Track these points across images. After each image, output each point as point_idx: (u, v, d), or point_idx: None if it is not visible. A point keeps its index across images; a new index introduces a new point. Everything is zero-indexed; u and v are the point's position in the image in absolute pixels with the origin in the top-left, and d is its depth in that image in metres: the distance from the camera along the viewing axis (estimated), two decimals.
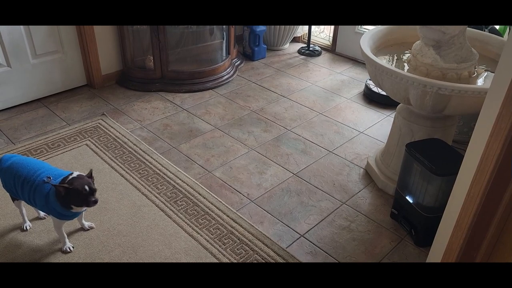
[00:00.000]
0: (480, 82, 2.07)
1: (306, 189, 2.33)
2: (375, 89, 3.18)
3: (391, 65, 2.24)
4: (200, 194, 2.25)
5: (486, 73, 2.12)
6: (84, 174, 1.75)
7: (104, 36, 3.13)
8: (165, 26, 3.09)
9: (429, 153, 1.90)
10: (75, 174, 1.74)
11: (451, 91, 1.81)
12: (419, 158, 1.88)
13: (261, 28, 3.70)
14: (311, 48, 3.98)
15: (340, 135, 2.80)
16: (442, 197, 1.84)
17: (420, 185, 1.93)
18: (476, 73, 2.08)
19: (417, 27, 2.04)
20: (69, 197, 1.68)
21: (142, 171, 2.40)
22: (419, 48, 2.08)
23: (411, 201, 1.99)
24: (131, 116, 2.93)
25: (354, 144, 2.72)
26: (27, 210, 2.01)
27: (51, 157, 2.48)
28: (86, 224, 2.01)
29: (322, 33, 4.25)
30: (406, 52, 2.31)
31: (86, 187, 1.68)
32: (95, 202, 1.71)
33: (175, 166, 2.44)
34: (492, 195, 1.33)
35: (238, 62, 3.69)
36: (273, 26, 3.85)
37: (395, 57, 2.31)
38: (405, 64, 2.19)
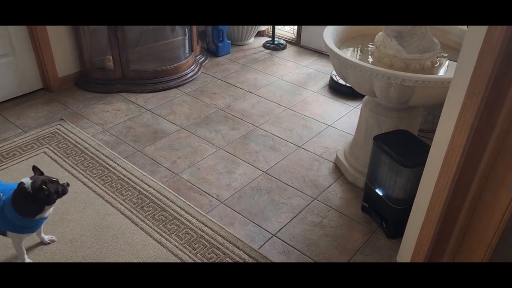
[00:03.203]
0: (442, 71, 2.08)
1: (276, 186, 2.29)
2: (341, 80, 3.18)
3: (356, 57, 2.23)
4: (167, 198, 2.17)
5: (447, 62, 2.14)
6: (30, 177, 1.67)
7: (58, 36, 2.98)
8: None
9: (396, 145, 1.90)
10: (25, 180, 1.65)
11: (415, 82, 1.80)
12: (387, 151, 1.87)
13: None
14: (276, 42, 3.93)
15: (308, 129, 2.78)
16: (411, 189, 1.84)
17: (389, 178, 1.92)
18: (438, 63, 2.09)
19: None
20: (38, 200, 1.63)
21: (105, 177, 2.30)
22: (382, 39, 2.06)
23: (380, 193, 1.98)
24: (92, 120, 2.81)
25: (323, 138, 2.70)
26: None
27: (6, 167, 2.33)
28: (46, 237, 1.90)
29: (287, 26, 4.22)
30: (370, 43, 2.30)
31: (46, 181, 1.63)
32: (68, 185, 1.72)
33: (140, 170, 2.35)
34: (460, 185, 1.33)
35: (202, 58, 3.60)
36: None
37: (359, 49, 2.30)
38: (369, 56, 2.18)
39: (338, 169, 2.43)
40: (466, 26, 2.44)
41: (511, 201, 1.20)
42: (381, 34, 2.09)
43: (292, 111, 2.97)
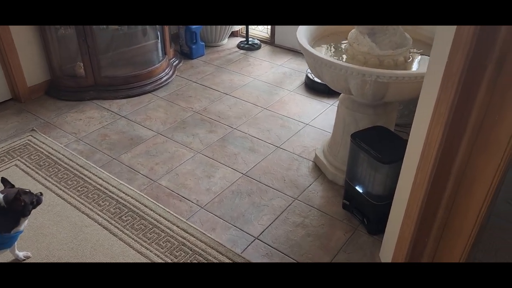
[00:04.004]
0: (415, 66, 2.10)
1: (256, 188, 2.27)
2: (316, 78, 3.18)
3: (330, 55, 2.23)
4: (146, 207, 2.12)
5: (419, 57, 2.16)
6: (0, 191, 1.64)
7: (25, 43, 2.88)
8: (93, 29, 2.89)
9: (374, 141, 1.90)
10: None
11: (389, 78, 1.81)
12: (365, 148, 1.88)
13: (196, 25, 3.58)
14: (250, 42, 3.91)
15: (287, 129, 2.77)
16: (390, 185, 1.85)
17: (368, 174, 1.93)
18: (411, 58, 2.11)
19: None
20: (14, 213, 1.60)
21: (81, 188, 2.23)
22: (355, 36, 2.07)
23: (361, 190, 1.98)
24: (65, 129, 2.73)
25: (301, 137, 2.70)
26: None
27: None
28: (21, 254, 1.83)
29: (260, 26, 4.20)
30: (343, 41, 2.30)
31: (21, 192, 1.60)
32: (41, 194, 1.70)
33: (117, 179, 2.29)
34: (437, 181, 1.34)
35: (176, 61, 3.55)
36: None
37: (333, 47, 2.30)
38: (343, 53, 2.18)
39: (317, 168, 2.43)
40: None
41: (486, 198, 1.21)
42: (354, 31, 2.09)
43: (269, 111, 2.96)
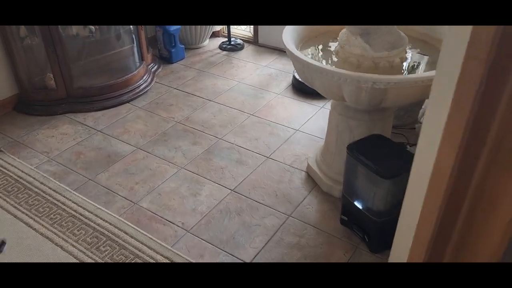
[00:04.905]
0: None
1: (247, 206, 2.10)
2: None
3: (319, 58, 2.05)
4: (126, 233, 1.93)
5: (410, 55, 2.00)
6: None
7: None
8: (62, 37, 2.67)
9: (373, 153, 1.74)
10: None
11: (387, 84, 1.65)
12: (363, 161, 1.72)
13: (174, 27, 3.37)
14: (232, 42, 3.71)
15: (276, 137, 2.59)
16: (391, 200, 1.69)
17: (367, 189, 1.77)
18: (408, 58, 1.95)
19: None
20: None
21: (54, 215, 2.03)
22: (346, 37, 1.90)
23: (360, 206, 1.82)
24: (35, 148, 2.51)
25: (291, 144, 2.53)
26: None
27: None
28: None
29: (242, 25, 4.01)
30: (334, 42, 2.13)
31: None
32: (3, 243, 1.60)
33: (93, 203, 2.10)
34: (450, 205, 1.18)
35: (155, 67, 3.34)
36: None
37: (323, 49, 2.12)
38: (334, 56, 2.01)
39: (311, 179, 2.26)
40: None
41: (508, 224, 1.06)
42: (345, 32, 1.92)
43: (256, 118, 2.78)
